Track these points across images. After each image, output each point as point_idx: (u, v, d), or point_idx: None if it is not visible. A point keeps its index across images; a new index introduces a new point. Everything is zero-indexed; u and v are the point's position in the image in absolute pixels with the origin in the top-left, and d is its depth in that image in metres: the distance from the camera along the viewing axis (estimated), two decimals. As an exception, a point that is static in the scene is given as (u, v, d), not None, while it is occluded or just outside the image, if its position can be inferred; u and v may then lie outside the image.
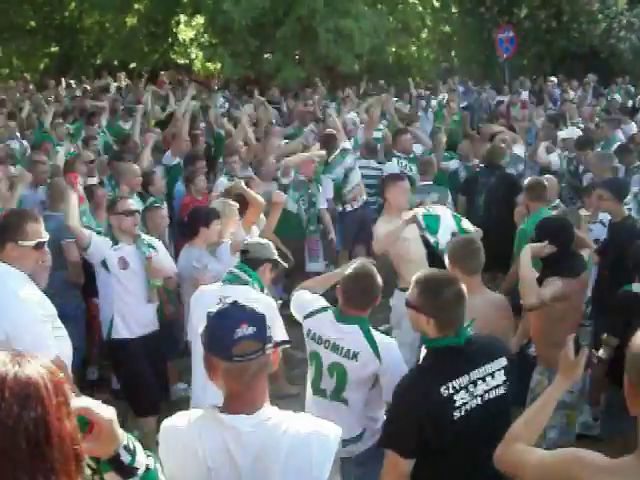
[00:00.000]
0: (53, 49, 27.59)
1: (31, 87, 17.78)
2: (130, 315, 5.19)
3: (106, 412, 1.68)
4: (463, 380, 2.98)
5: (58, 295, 4.92)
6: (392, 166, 8.92)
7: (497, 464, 2.50)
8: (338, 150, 8.53)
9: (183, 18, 24.71)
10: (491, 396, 3.04)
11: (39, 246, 3.85)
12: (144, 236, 5.40)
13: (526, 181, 6.36)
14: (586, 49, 22.47)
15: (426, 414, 2.94)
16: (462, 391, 2.97)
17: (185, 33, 25.40)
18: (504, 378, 3.07)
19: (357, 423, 3.80)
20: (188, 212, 6.17)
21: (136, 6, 23.68)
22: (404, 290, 5.70)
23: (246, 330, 2.18)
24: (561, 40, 22.57)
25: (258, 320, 2.23)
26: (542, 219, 5.16)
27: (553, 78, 17.46)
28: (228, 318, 2.23)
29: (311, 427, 2.28)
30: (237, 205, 5.65)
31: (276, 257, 4.44)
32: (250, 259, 4.34)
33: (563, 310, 4.46)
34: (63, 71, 23.79)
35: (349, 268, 3.89)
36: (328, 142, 8.61)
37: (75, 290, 6.05)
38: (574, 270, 4.61)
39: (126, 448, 1.70)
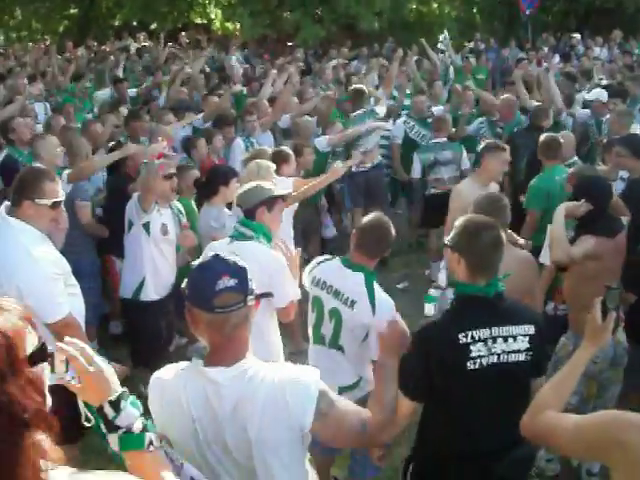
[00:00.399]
0: (72, 11, 27.52)
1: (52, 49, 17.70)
2: (159, 278, 5.31)
3: (97, 365, 1.78)
4: (484, 332, 2.96)
5: (73, 251, 4.99)
6: (398, 127, 8.93)
7: (525, 432, 2.46)
8: (363, 109, 8.35)
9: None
10: (510, 359, 2.99)
11: (55, 205, 3.87)
12: (175, 202, 5.53)
13: (541, 138, 6.27)
14: (612, 4, 22.00)
15: (439, 358, 2.96)
16: (480, 343, 2.95)
17: (204, -8, 25.23)
18: (527, 346, 3.00)
19: (353, 371, 3.90)
20: (207, 172, 6.18)
21: (155, -34, 23.49)
22: None
23: (227, 282, 2.21)
24: (586, -5, 22.14)
25: (239, 272, 2.25)
26: (580, 178, 5.09)
27: (577, 35, 17.16)
28: (210, 270, 2.25)
29: (288, 375, 2.30)
30: (273, 166, 5.58)
31: (268, 195, 4.24)
32: (246, 211, 4.25)
33: (595, 270, 4.33)
34: (82, 33, 23.76)
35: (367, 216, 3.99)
36: (356, 97, 8.51)
37: (90, 246, 6.09)
38: (610, 230, 4.51)
39: (111, 403, 1.77)
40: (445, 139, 7.85)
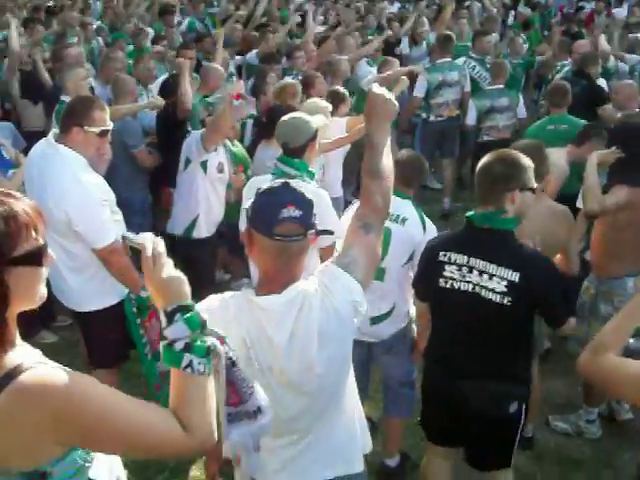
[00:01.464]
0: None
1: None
2: (212, 215, 5.39)
3: (165, 271, 1.82)
4: (460, 258, 3.17)
5: (126, 187, 5.18)
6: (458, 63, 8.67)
7: (584, 371, 2.41)
8: (445, 59, 8.36)
9: None
10: (483, 293, 3.11)
11: (103, 134, 3.93)
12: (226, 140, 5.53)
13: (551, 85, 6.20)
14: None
15: (423, 267, 3.40)
16: (454, 266, 3.18)
17: None
18: (504, 289, 3.06)
19: (388, 298, 3.97)
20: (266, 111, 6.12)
21: None
22: None
23: (292, 212, 2.21)
24: None
25: (305, 204, 2.25)
26: (617, 124, 5.03)
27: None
28: (276, 196, 2.25)
29: (329, 277, 2.31)
30: (330, 106, 5.55)
31: (315, 130, 4.18)
32: (293, 149, 4.13)
33: (626, 221, 4.29)
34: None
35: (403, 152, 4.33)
36: (444, 43, 8.50)
37: (142, 183, 6.12)
38: None
39: (166, 313, 1.77)
40: (502, 86, 7.78)
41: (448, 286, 3.20)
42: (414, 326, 4.11)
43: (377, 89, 2.51)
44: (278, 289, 2.24)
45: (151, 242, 1.83)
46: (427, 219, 4.02)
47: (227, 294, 2.36)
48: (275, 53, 8.49)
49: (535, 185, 3.20)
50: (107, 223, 3.85)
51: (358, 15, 12.50)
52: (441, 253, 3.22)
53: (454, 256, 3.19)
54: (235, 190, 5.47)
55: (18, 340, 1.73)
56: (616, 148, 4.44)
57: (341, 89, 6.50)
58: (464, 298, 3.16)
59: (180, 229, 5.37)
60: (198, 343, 1.74)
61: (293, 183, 2.33)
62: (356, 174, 7.40)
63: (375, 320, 3.93)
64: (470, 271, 3.14)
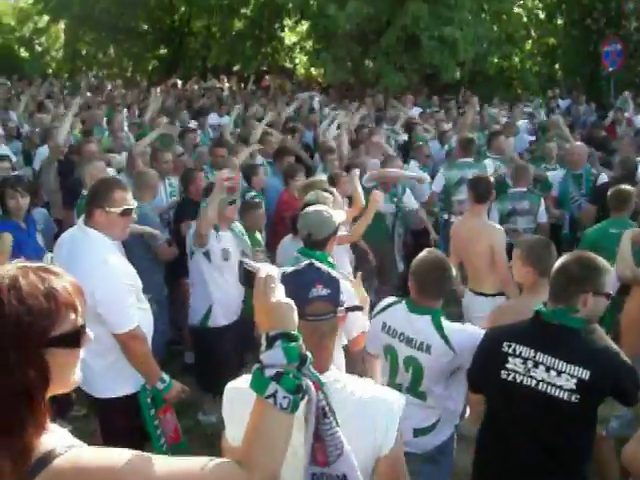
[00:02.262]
0: (162, 51, 28.64)
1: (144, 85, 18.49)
2: (228, 302, 5.33)
3: (275, 295, 1.78)
4: (526, 351, 3.09)
5: (142, 277, 5.18)
6: (486, 165, 8.64)
7: (627, 461, 2.39)
8: (467, 159, 8.41)
9: (288, 23, 25.26)
10: (548, 390, 3.03)
11: (126, 213, 3.93)
12: (236, 224, 5.54)
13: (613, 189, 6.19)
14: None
15: (482, 358, 3.25)
16: (518, 359, 3.08)
17: (289, 37, 25.95)
18: (573, 387, 2.99)
19: (432, 414, 3.73)
20: (290, 208, 6.20)
21: (243, 10, 24.31)
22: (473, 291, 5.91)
23: (321, 291, 2.21)
24: (671, 54, 21.95)
25: (333, 282, 2.26)
26: None
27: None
28: (304, 276, 2.25)
29: (376, 392, 2.30)
30: (331, 197, 5.43)
31: (337, 224, 4.17)
32: (316, 242, 4.11)
33: None
34: (170, 72, 24.69)
35: (419, 256, 3.81)
36: (465, 145, 8.53)
37: (158, 275, 6.07)
38: None
39: (267, 337, 1.74)
40: (525, 189, 7.82)
41: (510, 379, 3.11)
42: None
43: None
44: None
45: (266, 267, 1.83)
46: (454, 330, 3.65)
47: None
48: (286, 147, 8.65)
49: (610, 291, 3.18)
50: (130, 308, 3.80)
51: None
52: (505, 343, 3.14)
53: (519, 348, 3.11)
54: None
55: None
56: None
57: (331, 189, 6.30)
58: (527, 393, 3.07)
59: (197, 319, 5.37)
60: (290, 377, 1.67)
61: (317, 263, 2.32)
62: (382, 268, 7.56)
63: (418, 433, 3.72)
64: (536, 366, 3.07)
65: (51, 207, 7.64)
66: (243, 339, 5.44)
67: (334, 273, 2.31)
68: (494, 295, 5.78)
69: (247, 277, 1.86)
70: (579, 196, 8.20)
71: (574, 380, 2.98)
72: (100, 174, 5.81)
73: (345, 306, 2.28)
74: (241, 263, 1.91)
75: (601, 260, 3.21)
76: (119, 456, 1.59)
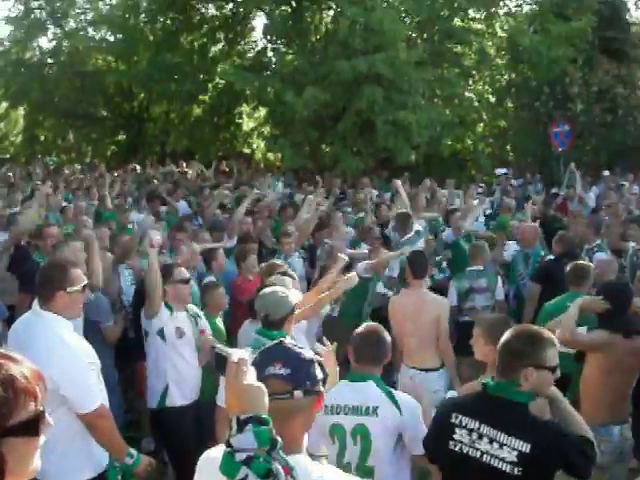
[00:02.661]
0: (121, 137, 28.86)
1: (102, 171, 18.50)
2: (184, 382, 5.28)
3: (247, 379, 1.80)
4: (471, 422, 3.13)
5: None
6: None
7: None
8: (413, 232, 8.64)
9: (246, 109, 25.71)
10: (492, 462, 3.07)
11: (84, 289, 3.98)
12: (191, 305, 5.54)
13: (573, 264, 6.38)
14: (642, 143, 22.62)
15: (435, 429, 3.30)
16: (464, 430, 3.13)
17: (247, 123, 26.38)
18: (514, 460, 3.03)
19: None
20: (244, 291, 6.29)
21: (201, 97, 24.74)
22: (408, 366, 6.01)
23: (278, 369, 2.16)
24: (617, 134, 22.73)
25: (297, 363, 2.20)
26: (603, 284, 5.49)
27: (606, 172, 17.54)
28: (268, 354, 2.24)
29: (342, 478, 2.23)
30: (290, 281, 5.60)
31: (294, 304, 4.27)
32: (272, 322, 4.20)
33: (609, 366, 4.65)
34: (129, 158, 24.84)
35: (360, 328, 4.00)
36: (404, 221, 8.82)
37: (108, 359, 5.84)
38: (628, 329, 4.77)
39: (238, 420, 1.73)
40: (481, 267, 7.94)
41: (457, 449, 3.15)
42: None
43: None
44: None
45: (237, 351, 1.84)
46: (400, 394, 3.80)
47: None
48: (249, 233, 8.71)
49: (555, 364, 3.20)
50: (94, 387, 3.78)
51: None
52: (453, 414, 3.19)
53: (465, 420, 3.16)
54: (204, 353, 5.41)
55: None
56: (603, 300, 4.89)
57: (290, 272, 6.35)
58: (472, 464, 3.12)
59: (154, 401, 5.30)
60: (260, 461, 1.66)
61: (289, 342, 2.30)
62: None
63: None
64: (480, 437, 3.11)
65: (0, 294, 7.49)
66: (202, 421, 5.38)
67: (307, 355, 2.25)
68: (440, 368, 6.07)
69: (219, 361, 1.87)
70: (525, 274, 8.43)
71: (515, 453, 3.03)
72: (78, 253, 5.84)
73: (314, 390, 2.20)
74: (213, 347, 1.91)
75: (544, 334, 3.26)
76: None
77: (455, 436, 3.16)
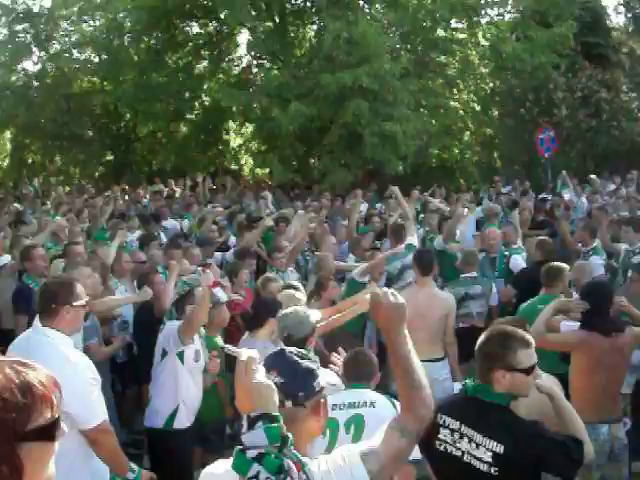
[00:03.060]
0: (108, 157, 28.84)
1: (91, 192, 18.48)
2: (191, 404, 5.33)
3: (256, 378, 1.83)
4: (453, 423, 3.20)
5: None
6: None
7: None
8: (404, 244, 8.65)
9: (233, 126, 25.77)
10: (471, 462, 3.13)
11: (86, 304, 4.08)
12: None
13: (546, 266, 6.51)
14: (627, 146, 22.74)
15: (425, 429, 3.14)
16: (447, 430, 3.20)
17: (235, 140, 26.43)
18: (490, 460, 3.08)
19: None
20: (236, 306, 6.39)
21: (188, 116, 24.78)
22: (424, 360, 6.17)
23: (274, 377, 2.14)
24: (602, 138, 22.86)
25: (293, 373, 2.20)
26: (585, 284, 5.63)
27: (593, 176, 17.65)
28: (268, 361, 2.25)
29: (334, 462, 2.21)
30: (304, 298, 5.66)
31: (314, 322, 4.30)
32: (295, 342, 4.13)
33: (589, 365, 4.78)
34: (117, 178, 24.82)
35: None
36: (397, 232, 8.87)
37: (104, 377, 5.83)
38: (605, 328, 4.86)
39: (249, 418, 1.76)
40: (475, 274, 7.97)
41: (442, 449, 3.22)
42: None
43: (381, 293, 2.45)
44: None
45: (247, 351, 1.87)
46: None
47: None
48: (249, 249, 8.75)
49: (528, 366, 3.20)
50: (97, 402, 3.82)
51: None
52: (439, 414, 3.23)
53: (448, 420, 3.22)
54: (210, 375, 5.48)
55: None
56: (581, 299, 5.06)
57: (295, 283, 6.43)
58: (455, 464, 3.18)
59: (160, 421, 5.29)
60: (272, 457, 1.68)
61: (290, 351, 2.31)
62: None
63: None
64: (461, 437, 3.17)
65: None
66: (202, 439, 5.53)
67: (304, 364, 2.25)
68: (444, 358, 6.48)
69: (229, 362, 1.89)
70: (493, 278, 8.60)
71: (490, 453, 3.10)
72: (89, 280, 5.83)
73: (300, 402, 2.18)
74: (223, 348, 1.96)
75: (517, 335, 3.27)
76: None
77: (440, 436, 3.23)
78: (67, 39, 26.33)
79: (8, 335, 5.59)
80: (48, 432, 1.58)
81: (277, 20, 21.99)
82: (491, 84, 25.50)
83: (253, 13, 21.42)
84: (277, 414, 1.78)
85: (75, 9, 25.30)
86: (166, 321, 5.50)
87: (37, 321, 3.95)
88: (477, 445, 3.12)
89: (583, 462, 3.23)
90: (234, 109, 22.25)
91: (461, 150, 25.13)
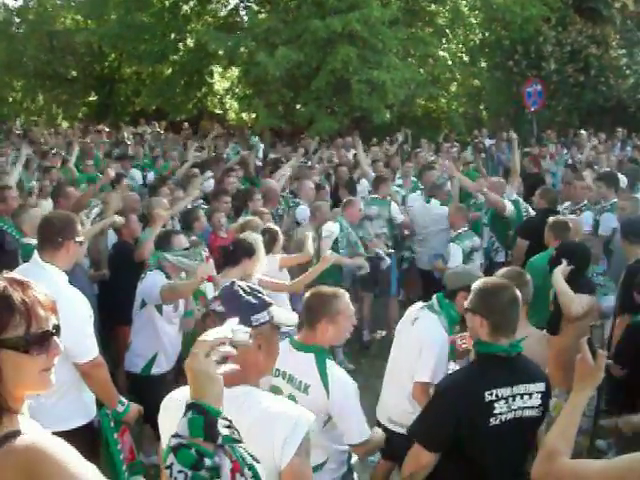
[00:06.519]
0: (92, 98, 28.46)
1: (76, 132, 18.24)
2: (171, 348, 5.36)
3: (212, 367, 1.73)
4: (506, 391, 3.13)
5: None
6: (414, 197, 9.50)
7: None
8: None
9: (217, 69, 25.43)
10: (525, 414, 3.17)
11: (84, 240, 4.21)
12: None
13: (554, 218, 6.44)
14: (614, 103, 22.77)
15: (465, 414, 3.11)
16: (502, 401, 3.12)
17: (220, 84, 26.12)
18: (540, 402, 3.19)
19: (319, 451, 3.52)
20: (222, 244, 6.39)
21: (172, 57, 24.40)
22: None
23: (217, 306, 2.36)
24: (589, 94, 22.87)
25: (234, 304, 2.32)
26: (562, 243, 5.67)
27: (582, 131, 17.68)
28: (219, 292, 2.44)
29: (282, 408, 2.31)
30: (278, 233, 5.74)
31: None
32: (451, 290, 4.42)
33: (585, 328, 4.57)
34: (100, 119, 24.53)
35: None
36: (379, 182, 8.95)
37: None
38: (591, 288, 5.06)
39: (186, 404, 1.70)
40: (466, 227, 7.90)
41: (497, 422, 3.13)
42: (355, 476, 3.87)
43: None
44: (227, 382, 1.97)
45: (226, 332, 1.80)
46: (335, 376, 3.59)
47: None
48: (224, 190, 8.65)
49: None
50: (91, 337, 3.86)
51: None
52: (486, 393, 3.12)
53: (500, 392, 3.13)
54: (193, 321, 5.46)
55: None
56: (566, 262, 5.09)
57: (274, 228, 6.48)
58: (509, 426, 3.14)
59: (138, 366, 5.33)
60: (188, 451, 1.56)
61: (240, 285, 2.41)
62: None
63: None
64: (514, 399, 3.15)
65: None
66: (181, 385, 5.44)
67: (251, 300, 2.36)
68: None
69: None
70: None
71: (540, 395, 3.20)
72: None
73: (251, 327, 2.14)
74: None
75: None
76: (79, 459, 1.67)
77: (495, 411, 3.12)
78: (50, -26, 25.81)
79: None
80: (20, 344, 1.68)
81: (267, -38, 21.59)
82: (480, 35, 25.31)
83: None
84: (210, 407, 1.65)
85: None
86: (147, 272, 5.42)
87: (36, 255, 3.97)
88: (530, 395, 3.17)
89: None
90: (220, 52, 21.90)
91: (448, 101, 25.01)
